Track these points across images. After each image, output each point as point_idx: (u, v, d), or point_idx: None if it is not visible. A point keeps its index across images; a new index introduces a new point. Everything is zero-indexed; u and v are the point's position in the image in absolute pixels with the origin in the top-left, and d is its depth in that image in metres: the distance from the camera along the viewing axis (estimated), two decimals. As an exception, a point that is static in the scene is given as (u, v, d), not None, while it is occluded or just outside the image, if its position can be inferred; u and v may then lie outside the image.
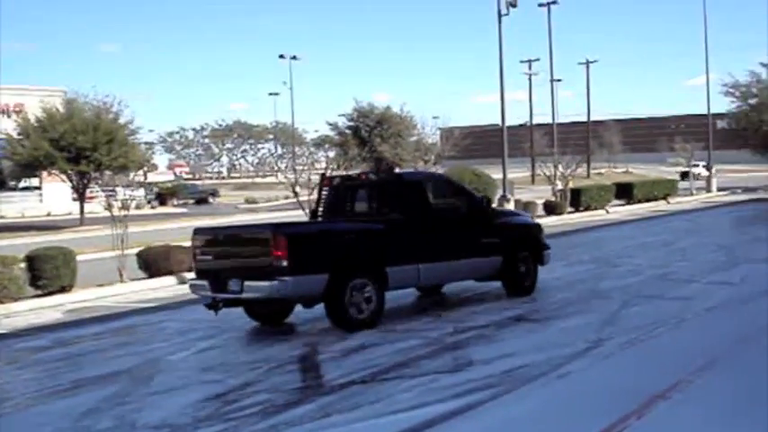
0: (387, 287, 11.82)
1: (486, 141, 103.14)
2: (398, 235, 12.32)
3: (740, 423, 6.61)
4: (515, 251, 13.64)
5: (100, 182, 41.38)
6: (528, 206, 34.81)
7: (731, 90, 51.51)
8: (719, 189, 50.64)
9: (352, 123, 54.25)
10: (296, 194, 24.88)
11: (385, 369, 8.94)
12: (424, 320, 12.01)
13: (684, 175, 59.43)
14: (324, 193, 13.59)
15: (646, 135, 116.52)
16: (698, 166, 69.61)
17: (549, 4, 72.42)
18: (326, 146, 49.59)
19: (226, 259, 11.89)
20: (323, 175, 16.51)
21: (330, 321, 11.39)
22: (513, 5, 35.48)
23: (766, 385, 7.48)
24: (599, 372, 8.44)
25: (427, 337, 10.67)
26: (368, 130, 52.56)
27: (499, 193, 33.86)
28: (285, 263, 10.84)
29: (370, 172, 16.26)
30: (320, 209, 13.50)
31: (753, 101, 50.77)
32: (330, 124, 55.12)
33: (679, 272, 15.82)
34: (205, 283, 11.73)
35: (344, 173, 16.13)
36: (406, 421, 6.98)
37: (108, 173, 41.43)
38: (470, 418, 7.02)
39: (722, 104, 54.89)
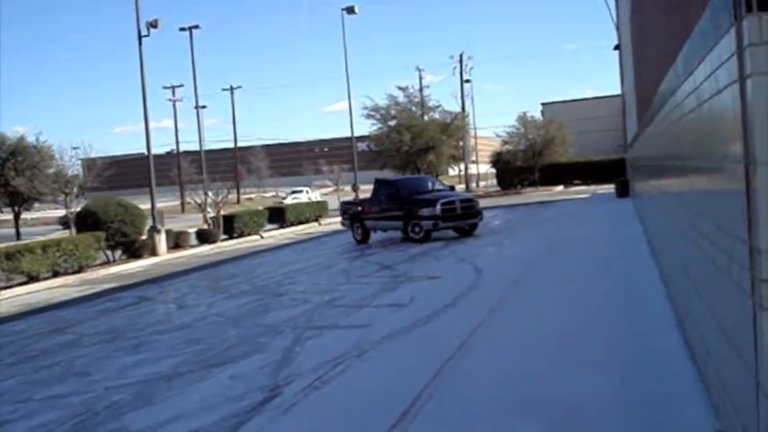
0: (366, 229, 27.55)
1: (132, 171, 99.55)
2: (365, 208, 27.68)
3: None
4: (409, 219, 25.51)
5: None
6: (180, 236, 33.05)
7: (372, 113, 53.41)
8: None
9: (-20, 157, 48.90)
10: None
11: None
12: (68, 383, 10.04)
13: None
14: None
15: (293, 159, 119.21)
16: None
17: (190, 28, 70.87)
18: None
19: None
20: (376, 179, 29.37)
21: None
22: (154, 26, 33.62)
23: (471, 419, 6.64)
24: (283, 430, 7.13)
25: (71, 404, 8.78)
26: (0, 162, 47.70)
27: (149, 223, 31.71)
28: (342, 216, 29.35)
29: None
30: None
31: (392, 122, 52.97)
32: (-45, 158, 49.23)
33: (346, 296, 15.06)
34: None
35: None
36: None
37: None
38: None
39: (364, 127, 56.97)
